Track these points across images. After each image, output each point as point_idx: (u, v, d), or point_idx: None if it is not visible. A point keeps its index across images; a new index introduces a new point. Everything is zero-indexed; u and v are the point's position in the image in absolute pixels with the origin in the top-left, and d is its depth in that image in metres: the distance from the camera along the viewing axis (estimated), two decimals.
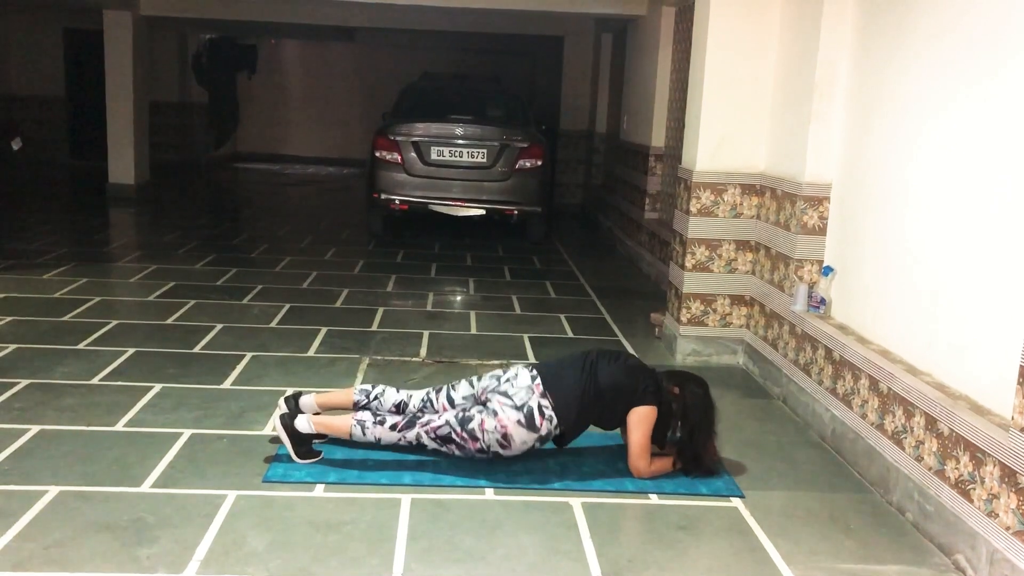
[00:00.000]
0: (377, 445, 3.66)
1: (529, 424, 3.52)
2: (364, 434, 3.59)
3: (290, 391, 4.14)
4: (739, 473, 3.74)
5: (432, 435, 3.56)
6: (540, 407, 3.54)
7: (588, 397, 3.59)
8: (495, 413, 3.53)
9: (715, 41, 5.12)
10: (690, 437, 3.61)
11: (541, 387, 3.58)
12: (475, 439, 3.53)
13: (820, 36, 4.48)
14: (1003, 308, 3.10)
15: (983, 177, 3.28)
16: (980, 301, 3.24)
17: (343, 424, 3.61)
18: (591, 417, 3.67)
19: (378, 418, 3.62)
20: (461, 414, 3.57)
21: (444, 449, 3.59)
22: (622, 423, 3.68)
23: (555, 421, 3.56)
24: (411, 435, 3.57)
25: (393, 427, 3.58)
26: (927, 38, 3.73)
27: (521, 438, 3.53)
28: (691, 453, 3.62)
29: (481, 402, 3.64)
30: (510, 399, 3.56)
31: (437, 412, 3.69)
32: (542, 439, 3.58)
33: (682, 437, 3.62)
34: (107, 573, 2.75)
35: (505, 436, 3.52)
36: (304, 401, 3.83)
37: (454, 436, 3.54)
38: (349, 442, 3.78)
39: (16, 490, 3.25)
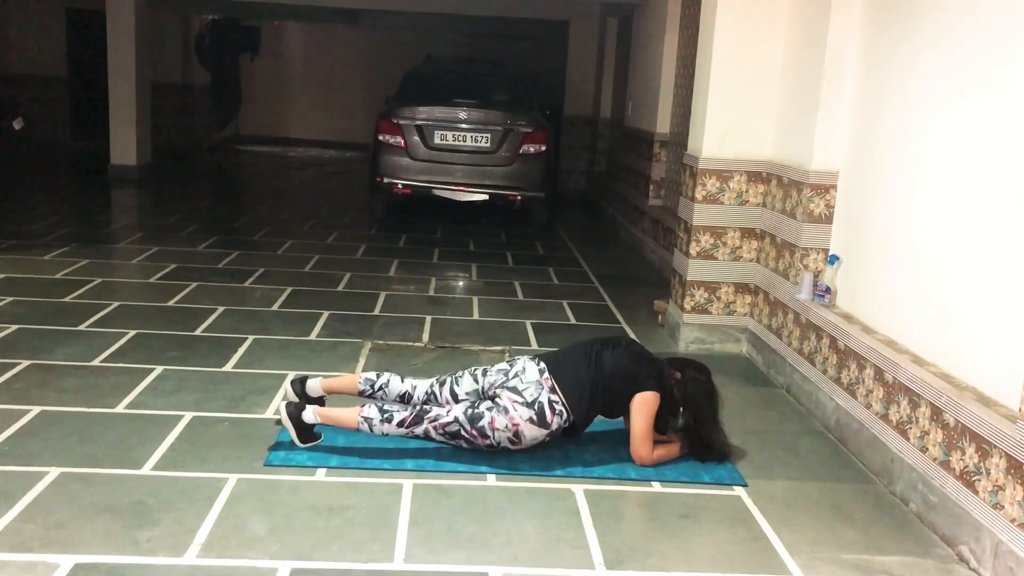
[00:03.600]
0: (384, 439, 3.63)
1: (540, 421, 3.51)
2: (371, 431, 3.54)
3: (292, 375, 4.13)
4: (742, 462, 3.72)
5: (441, 431, 3.53)
6: (551, 402, 3.52)
7: (596, 387, 3.58)
8: (506, 411, 3.50)
9: (723, 27, 5.08)
10: (694, 423, 3.59)
11: (551, 381, 3.56)
12: (485, 436, 3.50)
13: (829, 23, 4.43)
14: (1011, 299, 3.07)
15: (992, 167, 3.25)
16: (988, 291, 3.21)
17: (350, 419, 3.54)
18: (599, 407, 3.65)
19: (385, 415, 3.52)
20: (470, 411, 3.52)
21: (452, 443, 3.58)
22: (626, 411, 3.66)
23: (565, 416, 3.54)
24: (419, 431, 3.53)
25: (400, 423, 3.52)
26: (937, 26, 3.69)
27: (532, 435, 3.52)
28: (698, 440, 3.61)
29: (489, 397, 3.60)
30: (520, 395, 3.52)
31: (442, 406, 3.63)
32: (552, 434, 3.57)
33: (685, 423, 3.61)
34: (107, 555, 2.75)
35: (516, 434, 3.50)
36: (310, 385, 3.79)
37: (463, 433, 3.51)
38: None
39: (17, 471, 3.24)
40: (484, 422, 3.49)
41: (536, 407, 3.50)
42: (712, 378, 3.72)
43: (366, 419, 3.53)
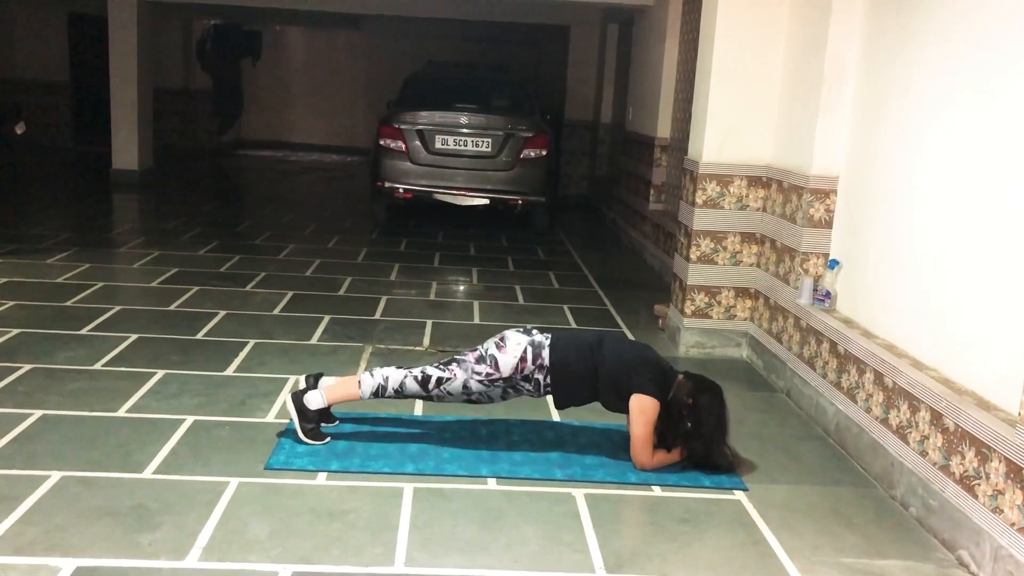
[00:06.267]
0: (383, 392, 3.67)
1: (525, 331, 3.75)
2: (372, 375, 3.68)
3: (293, 379, 4.15)
4: (742, 466, 3.72)
5: (435, 363, 3.72)
6: (540, 330, 3.81)
7: (584, 349, 3.70)
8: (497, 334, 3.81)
9: (723, 32, 5.09)
10: (703, 447, 3.59)
11: (549, 337, 3.76)
12: (474, 350, 3.73)
13: (829, 28, 4.45)
14: (1011, 304, 3.08)
15: (992, 172, 3.26)
16: (987, 296, 3.22)
17: (351, 380, 3.72)
18: (584, 378, 3.66)
19: (385, 365, 3.77)
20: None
21: (446, 374, 3.65)
22: (621, 407, 3.66)
23: (549, 339, 3.70)
24: (416, 370, 3.70)
25: (399, 366, 3.72)
26: (937, 31, 3.71)
27: (515, 339, 3.69)
28: (704, 462, 3.60)
29: None
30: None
31: None
32: (534, 345, 3.66)
33: (693, 447, 3.60)
34: (109, 559, 2.75)
35: (502, 338, 3.71)
36: (324, 381, 3.85)
37: (456, 356, 3.75)
38: (353, 430, 3.80)
39: (19, 475, 3.25)
40: (475, 346, 3.78)
41: (522, 327, 3.82)
42: (725, 401, 3.65)
43: (367, 370, 3.74)
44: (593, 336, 3.81)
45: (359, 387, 3.67)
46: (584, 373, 3.66)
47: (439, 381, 3.65)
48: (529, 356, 3.64)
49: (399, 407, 4.06)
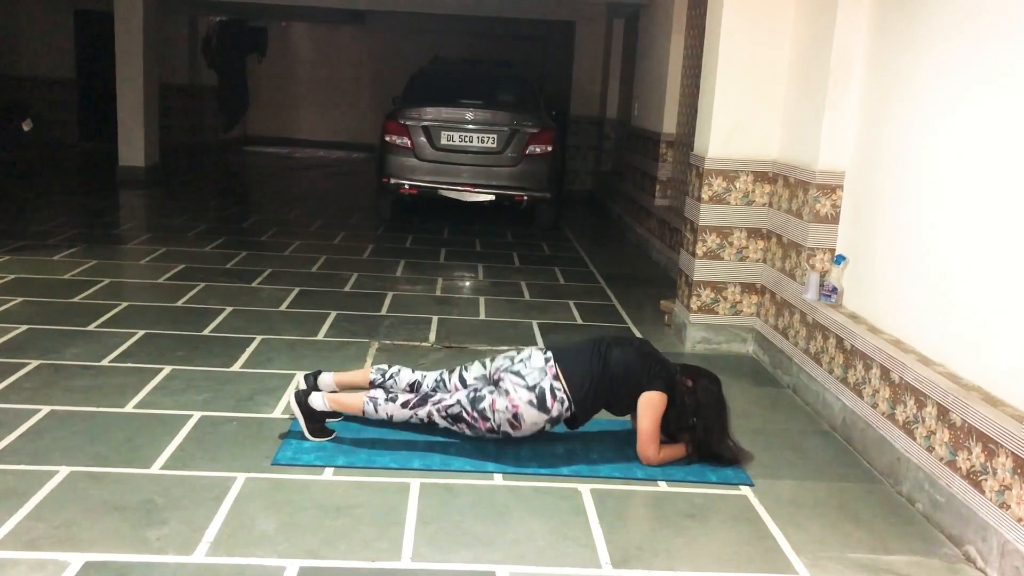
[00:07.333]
0: (389, 422, 3.69)
1: (540, 405, 3.53)
2: (376, 411, 3.62)
3: (300, 374, 4.15)
4: (748, 462, 3.72)
5: (443, 413, 3.59)
6: (552, 389, 3.55)
7: (600, 381, 3.59)
8: (507, 393, 3.54)
9: (729, 26, 5.08)
10: (704, 434, 3.60)
11: (554, 369, 3.59)
12: (485, 419, 3.55)
13: (836, 22, 4.43)
14: (1017, 299, 3.07)
15: (999, 167, 3.25)
16: (994, 291, 3.21)
17: (355, 401, 3.66)
18: (602, 401, 3.67)
19: (390, 395, 3.66)
20: (473, 393, 3.59)
21: (455, 428, 3.62)
22: (632, 409, 3.67)
23: (567, 404, 3.56)
24: (422, 413, 3.60)
25: (404, 404, 3.61)
26: (946, 25, 3.69)
27: (532, 419, 3.54)
28: (708, 451, 3.62)
29: (493, 382, 3.65)
30: (523, 379, 3.56)
31: (449, 392, 3.71)
32: (552, 420, 3.59)
33: (695, 434, 3.61)
34: (117, 553, 2.76)
35: (516, 416, 3.53)
36: (323, 379, 3.89)
37: (465, 415, 3.57)
38: (359, 426, 3.80)
39: (27, 470, 3.26)
40: (485, 404, 3.55)
41: (537, 391, 3.53)
42: (722, 389, 3.70)
43: (371, 399, 3.63)
44: (597, 358, 3.61)
45: (362, 412, 3.66)
46: (599, 405, 3.68)
47: (446, 432, 3.67)
48: (548, 427, 3.64)
49: None
